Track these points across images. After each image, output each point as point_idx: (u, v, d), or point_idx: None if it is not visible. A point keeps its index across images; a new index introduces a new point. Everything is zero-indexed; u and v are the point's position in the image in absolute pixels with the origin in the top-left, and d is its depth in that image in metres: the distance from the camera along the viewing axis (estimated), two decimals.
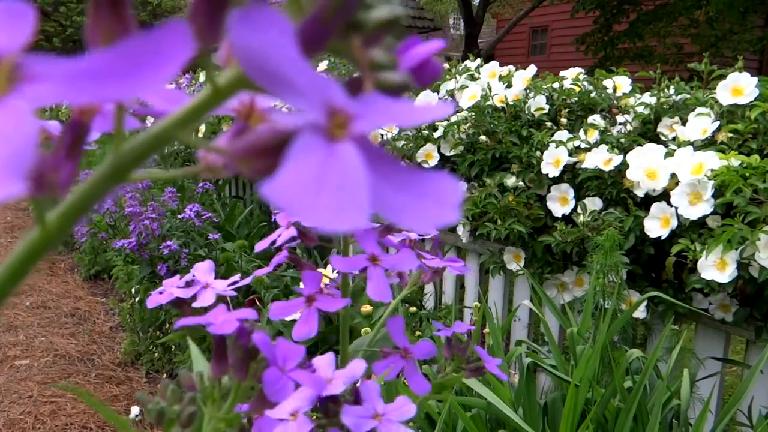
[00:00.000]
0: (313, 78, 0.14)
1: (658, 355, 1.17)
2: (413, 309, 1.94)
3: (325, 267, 1.47)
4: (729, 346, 1.45)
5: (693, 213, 1.26)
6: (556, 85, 1.89)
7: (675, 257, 1.31)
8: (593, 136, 1.61)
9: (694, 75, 1.73)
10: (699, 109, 1.47)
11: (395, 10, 0.15)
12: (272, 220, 0.47)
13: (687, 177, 1.28)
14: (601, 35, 8.18)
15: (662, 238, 1.33)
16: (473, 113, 1.84)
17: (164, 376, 2.35)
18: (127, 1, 0.15)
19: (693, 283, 1.28)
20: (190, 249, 2.51)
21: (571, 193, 1.57)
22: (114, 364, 2.51)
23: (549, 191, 1.63)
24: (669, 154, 1.38)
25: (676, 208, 1.29)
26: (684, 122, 1.51)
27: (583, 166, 1.54)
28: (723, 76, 1.46)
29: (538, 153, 1.66)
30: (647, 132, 1.63)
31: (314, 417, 0.35)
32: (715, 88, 1.47)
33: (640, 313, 1.42)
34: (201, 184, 3.24)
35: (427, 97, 1.99)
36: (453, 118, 1.89)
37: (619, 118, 1.69)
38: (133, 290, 2.61)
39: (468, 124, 1.84)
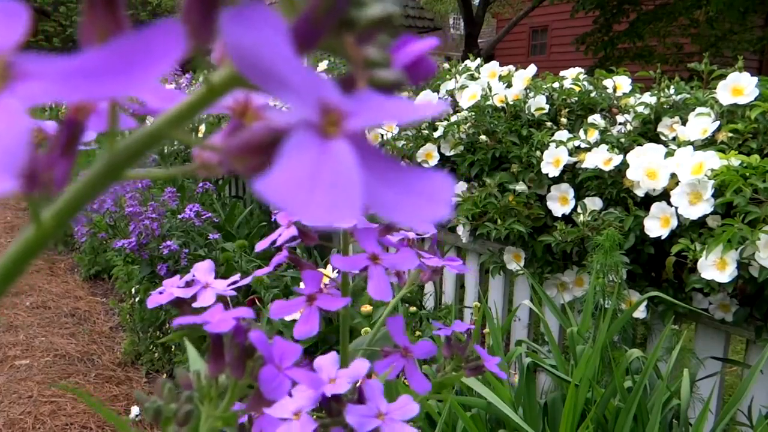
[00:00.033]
0: (307, 76, 0.14)
1: (658, 355, 1.17)
2: (413, 309, 1.94)
3: (325, 267, 1.47)
4: (729, 346, 1.45)
5: (693, 213, 1.26)
6: (556, 84, 1.89)
7: (675, 257, 1.31)
8: (593, 135, 1.61)
9: (694, 75, 1.73)
10: (699, 109, 1.47)
11: (388, 7, 0.15)
12: (272, 220, 0.47)
13: (687, 177, 1.28)
14: (601, 35, 8.19)
15: (662, 237, 1.33)
16: (473, 113, 1.84)
17: (164, 376, 2.35)
18: (120, 0, 0.15)
19: (693, 282, 1.28)
20: (190, 249, 2.51)
21: (571, 192, 1.57)
22: (114, 364, 2.51)
23: (549, 191, 1.63)
24: (669, 153, 1.38)
25: (676, 207, 1.29)
26: (684, 122, 1.51)
27: (583, 165, 1.54)
28: (723, 76, 1.46)
29: (538, 153, 1.66)
30: (647, 132, 1.63)
31: (316, 417, 0.35)
32: (715, 88, 1.47)
33: (640, 313, 1.42)
34: (201, 184, 3.24)
35: (427, 96, 1.99)
36: (453, 118, 1.89)
37: (619, 118, 1.69)
38: (133, 290, 2.61)
39: (468, 124, 1.84)
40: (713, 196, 1.24)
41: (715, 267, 1.21)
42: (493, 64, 1.98)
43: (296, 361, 0.31)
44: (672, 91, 1.66)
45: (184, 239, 2.57)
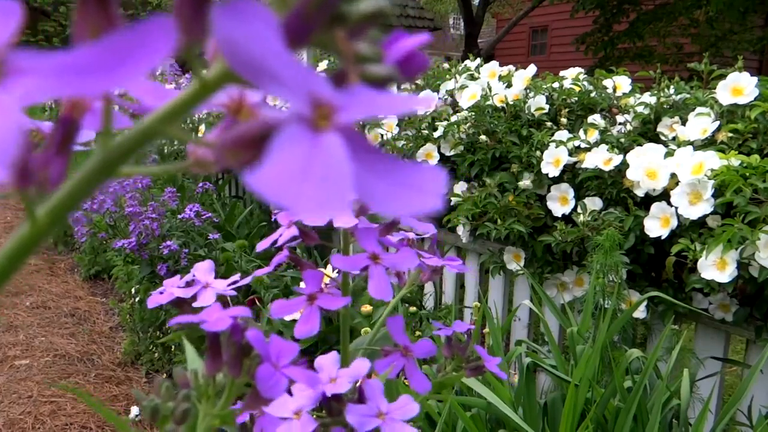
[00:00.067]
0: (298, 70, 0.14)
1: (658, 354, 1.17)
2: (413, 309, 1.94)
3: (325, 267, 1.47)
4: (729, 346, 1.45)
5: (693, 213, 1.26)
6: (556, 84, 1.89)
7: (675, 257, 1.31)
8: (593, 135, 1.61)
9: (694, 75, 1.73)
10: (699, 109, 1.47)
11: (379, 2, 0.15)
12: (272, 220, 0.47)
13: (687, 177, 1.28)
14: (601, 35, 8.19)
15: (662, 237, 1.33)
16: (473, 113, 1.84)
17: (164, 376, 2.35)
18: None
19: (693, 282, 1.28)
20: (190, 249, 2.51)
21: (571, 192, 1.57)
22: (114, 364, 2.51)
23: (549, 191, 1.63)
24: (669, 153, 1.38)
25: (676, 207, 1.29)
26: (684, 122, 1.51)
27: (583, 165, 1.54)
28: (723, 76, 1.46)
29: (538, 153, 1.66)
30: (647, 132, 1.63)
31: (316, 416, 0.35)
32: (715, 88, 1.47)
33: (640, 312, 1.42)
34: (201, 184, 3.24)
35: (427, 96, 2.00)
36: (453, 118, 1.89)
37: (619, 118, 1.69)
38: (133, 290, 2.61)
39: (468, 124, 1.84)
40: (713, 196, 1.24)
41: (715, 267, 1.21)
42: (493, 64, 1.98)
43: (293, 359, 0.31)
44: (672, 91, 1.66)
45: (184, 239, 2.57)
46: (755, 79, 1.41)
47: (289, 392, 0.35)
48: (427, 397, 0.44)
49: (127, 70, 0.13)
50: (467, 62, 2.11)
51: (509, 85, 1.88)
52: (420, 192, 0.14)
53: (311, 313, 0.40)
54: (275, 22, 0.14)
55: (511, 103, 1.83)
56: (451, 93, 2.01)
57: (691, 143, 1.42)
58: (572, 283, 1.66)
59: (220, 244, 2.54)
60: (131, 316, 2.61)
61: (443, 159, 1.91)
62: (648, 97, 1.67)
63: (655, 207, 1.35)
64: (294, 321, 1.73)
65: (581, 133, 1.62)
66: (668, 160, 1.35)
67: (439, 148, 1.91)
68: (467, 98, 1.87)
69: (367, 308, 1.71)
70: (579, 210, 1.52)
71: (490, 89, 1.85)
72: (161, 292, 0.38)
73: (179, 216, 2.64)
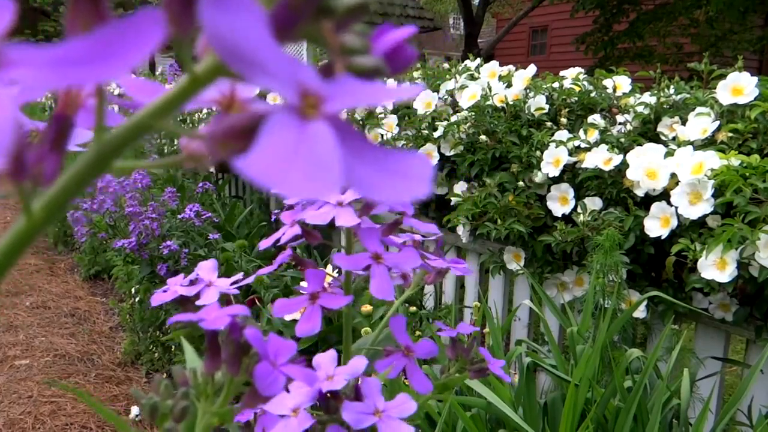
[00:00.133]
0: (285, 61, 0.14)
1: (658, 354, 1.17)
2: (413, 309, 1.94)
3: (325, 266, 1.47)
4: (729, 346, 1.45)
5: (693, 212, 1.26)
6: (556, 84, 1.89)
7: (675, 257, 1.31)
8: (593, 135, 1.61)
9: (694, 75, 1.73)
10: (699, 109, 1.47)
11: None
12: (272, 219, 0.47)
13: (687, 176, 1.28)
14: (601, 35, 8.20)
15: (662, 237, 1.33)
16: (473, 113, 1.84)
17: (164, 375, 2.35)
18: None
19: (693, 282, 1.28)
20: (190, 249, 2.51)
21: (571, 192, 1.57)
22: (114, 364, 2.51)
23: (549, 191, 1.63)
24: (669, 153, 1.38)
25: (676, 207, 1.29)
26: (684, 122, 1.51)
27: (583, 165, 1.54)
28: (723, 76, 1.46)
29: (538, 153, 1.66)
30: (647, 132, 1.63)
31: (314, 414, 0.35)
32: (715, 88, 1.47)
33: (640, 312, 1.42)
34: (201, 184, 3.24)
35: (426, 95, 2.00)
36: (453, 118, 1.89)
37: (619, 118, 1.69)
38: (133, 290, 2.61)
39: (468, 124, 1.84)
40: (713, 196, 1.24)
41: (715, 267, 1.21)
42: (493, 64, 1.98)
43: (291, 357, 0.31)
44: (672, 91, 1.66)
45: (184, 239, 2.57)
46: (755, 79, 1.41)
47: (287, 390, 0.35)
48: (427, 397, 0.44)
49: (118, 60, 0.13)
50: (467, 62, 2.11)
51: (509, 85, 1.88)
52: (407, 178, 0.15)
53: (313, 312, 0.40)
54: (263, 14, 0.14)
55: (511, 103, 1.83)
56: (451, 93, 2.01)
57: (691, 143, 1.42)
58: (572, 283, 1.66)
59: (220, 244, 2.55)
60: (131, 316, 2.61)
61: (443, 159, 1.91)
62: (648, 97, 1.67)
63: (655, 207, 1.35)
64: (294, 321, 1.73)
65: (581, 133, 1.62)
66: (668, 160, 1.35)
67: (439, 148, 1.91)
68: (467, 98, 1.87)
69: (367, 308, 1.71)
70: (579, 210, 1.52)
71: (490, 89, 1.85)
72: (165, 291, 0.38)
73: (179, 216, 2.64)
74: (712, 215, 1.27)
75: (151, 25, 0.13)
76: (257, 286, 2.03)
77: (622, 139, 1.56)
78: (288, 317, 1.66)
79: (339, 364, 0.38)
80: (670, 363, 1.19)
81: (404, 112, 2.09)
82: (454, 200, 1.79)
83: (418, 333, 1.83)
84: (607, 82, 1.86)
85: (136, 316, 2.52)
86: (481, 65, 2.03)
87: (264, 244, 0.44)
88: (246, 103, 0.18)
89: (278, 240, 0.43)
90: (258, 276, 0.44)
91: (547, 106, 1.80)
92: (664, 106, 1.63)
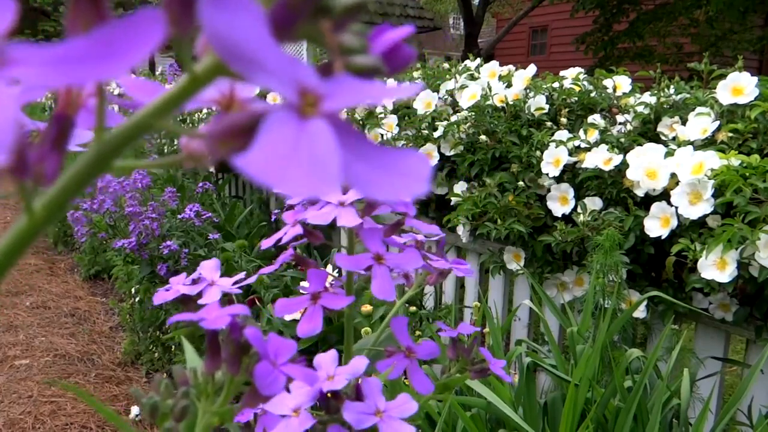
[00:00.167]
0: (284, 60, 0.14)
1: (658, 354, 1.17)
2: (413, 309, 1.94)
3: (325, 267, 1.47)
4: (729, 346, 1.45)
5: (693, 212, 1.26)
6: (556, 84, 1.89)
7: (675, 257, 1.31)
8: (593, 135, 1.61)
9: (694, 75, 1.73)
10: (699, 109, 1.47)
11: None
12: (272, 219, 0.47)
13: (687, 176, 1.28)
14: (601, 35, 8.20)
15: (662, 237, 1.33)
16: (473, 113, 1.84)
17: (164, 375, 2.35)
18: None
19: (693, 282, 1.28)
20: (190, 249, 2.51)
21: (571, 192, 1.57)
22: (114, 364, 2.51)
23: (549, 191, 1.63)
24: (669, 153, 1.38)
25: (676, 207, 1.29)
26: (684, 122, 1.51)
27: (583, 165, 1.54)
28: (723, 76, 1.46)
29: (538, 153, 1.66)
30: (647, 132, 1.63)
31: (315, 414, 0.35)
32: (715, 88, 1.47)
33: (640, 312, 1.42)
34: (201, 184, 3.24)
35: (426, 95, 2.00)
36: (453, 118, 1.89)
37: (619, 118, 1.69)
38: (133, 290, 2.61)
39: (468, 124, 1.84)
40: (713, 196, 1.24)
41: (715, 267, 1.21)
42: (493, 64, 1.98)
43: (291, 357, 0.31)
44: (672, 90, 1.66)
45: (184, 239, 2.57)
46: (755, 79, 1.41)
47: (288, 390, 0.35)
48: (428, 397, 0.44)
49: (118, 60, 0.13)
50: (467, 62, 2.11)
51: (509, 85, 1.88)
52: (406, 176, 0.15)
53: (314, 311, 0.40)
54: (262, 13, 0.14)
55: (511, 103, 1.83)
56: (451, 93, 2.01)
57: (691, 143, 1.42)
58: (572, 282, 1.66)
59: (220, 244, 2.54)
60: (131, 316, 2.61)
61: (443, 159, 1.91)
62: (648, 97, 1.67)
63: (655, 207, 1.35)
64: (294, 321, 1.73)
65: (581, 133, 1.62)
66: (668, 160, 1.35)
67: (439, 148, 1.91)
68: (467, 98, 1.87)
69: (367, 308, 1.71)
70: (579, 210, 1.52)
71: (490, 89, 1.85)
72: (168, 290, 0.38)
73: (179, 216, 2.64)
74: (712, 215, 1.27)
75: (151, 24, 0.14)
76: (257, 286, 2.03)
77: (622, 139, 1.56)
78: (288, 317, 1.66)
79: (340, 364, 0.38)
80: (670, 363, 1.19)
81: (404, 111, 2.09)
82: (454, 200, 1.78)
83: (418, 333, 1.83)
84: (607, 82, 1.86)
85: (136, 316, 2.52)
86: (481, 65, 2.03)
87: (265, 243, 0.44)
88: (245, 102, 0.18)
89: (279, 240, 0.43)
90: (258, 276, 0.44)
91: (547, 106, 1.80)
92: (664, 106, 1.63)
